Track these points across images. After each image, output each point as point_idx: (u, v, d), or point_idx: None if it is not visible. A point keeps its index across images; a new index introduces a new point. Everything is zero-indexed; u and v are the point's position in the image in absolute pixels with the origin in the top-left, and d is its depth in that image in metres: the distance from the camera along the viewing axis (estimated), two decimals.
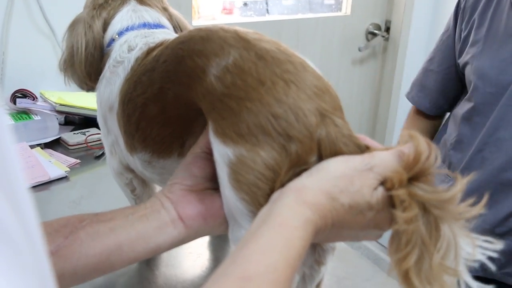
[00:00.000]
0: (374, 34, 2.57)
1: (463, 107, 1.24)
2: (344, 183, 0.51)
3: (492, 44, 1.14)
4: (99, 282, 0.83)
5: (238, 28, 0.61)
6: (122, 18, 0.85)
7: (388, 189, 0.52)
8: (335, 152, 0.53)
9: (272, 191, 0.53)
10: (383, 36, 2.59)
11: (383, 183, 0.52)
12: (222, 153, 0.55)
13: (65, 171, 1.19)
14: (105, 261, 0.57)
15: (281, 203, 0.50)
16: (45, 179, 1.16)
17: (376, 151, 0.54)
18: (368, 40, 2.58)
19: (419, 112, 1.46)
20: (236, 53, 0.56)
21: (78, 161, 1.27)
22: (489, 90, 1.13)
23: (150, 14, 0.87)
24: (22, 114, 1.42)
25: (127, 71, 0.74)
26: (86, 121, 1.51)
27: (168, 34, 0.82)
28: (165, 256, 0.90)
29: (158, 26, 0.85)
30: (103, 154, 1.32)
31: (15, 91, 1.49)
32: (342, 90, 2.61)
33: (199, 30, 0.62)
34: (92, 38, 0.85)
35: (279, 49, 0.58)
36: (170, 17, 0.92)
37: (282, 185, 0.52)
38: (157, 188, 0.88)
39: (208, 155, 0.61)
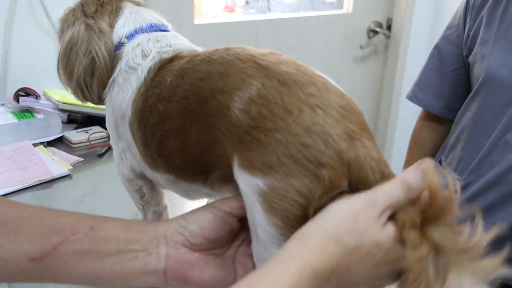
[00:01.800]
0: (376, 32, 2.57)
1: (470, 108, 1.22)
2: (348, 224, 0.49)
3: (503, 44, 1.11)
4: None
5: (253, 52, 0.61)
6: (127, 21, 0.83)
7: (399, 229, 0.51)
8: (361, 176, 0.53)
9: (305, 216, 0.52)
10: (384, 34, 2.59)
11: (394, 219, 0.52)
12: (251, 184, 0.54)
13: (68, 169, 1.20)
14: (82, 282, 0.59)
15: (282, 249, 0.50)
16: (48, 177, 1.16)
17: (380, 185, 0.53)
18: (369, 38, 2.58)
19: (429, 117, 1.40)
20: (258, 83, 0.56)
21: (81, 159, 1.28)
22: (501, 91, 1.11)
23: (151, 15, 0.86)
24: (25, 112, 1.42)
25: (140, 81, 0.73)
26: (89, 119, 1.51)
27: (178, 40, 0.80)
28: None
29: (163, 27, 0.85)
30: (106, 152, 1.33)
31: (18, 90, 1.49)
32: (344, 88, 2.59)
33: (215, 62, 0.61)
34: (109, 41, 0.81)
35: (299, 70, 0.58)
36: None
37: (317, 210, 0.52)
38: (165, 193, 0.88)
39: (233, 218, 0.61)
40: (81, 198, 1.08)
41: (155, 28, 0.83)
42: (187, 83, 0.63)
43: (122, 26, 0.83)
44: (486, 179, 1.14)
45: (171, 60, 0.72)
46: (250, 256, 0.62)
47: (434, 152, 1.39)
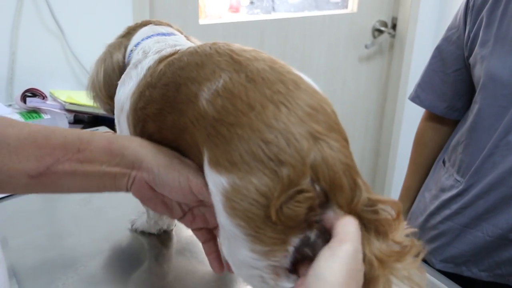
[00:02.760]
0: (381, 31, 2.58)
1: (472, 109, 1.22)
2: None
3: (503, 45, 1.10)
4: (110, 277, 0.84)
5: (234, 47, 0.61)
6: (140, 34, 0.90)
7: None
8: (335, 181, 0.51)
9: (268, 217, 0.51)
10: (389, 33, 2.60)
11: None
12: (217, 182, 0.55)
13: None
14: (74, 192, 0.70)
15: None
16: None
17: (342, 227, 0.51)
18: (374, 37, 2.59)
19: (432, 117, 1.40)
20: (227, 76, 0.56)
21: None
22: (501, 92, 1.10)
23: (164, 28, 0.91)
24: (32, 113, 1.43)
25: (140, 76, 0.76)
26: (95, 120, 1.52)
27: (178, 41, 0.84)
28: (174, 253, 0.92)
29: (172, 34, 0.89)
30: None
31: (25, 91, 1.51)
32: (349, 87, 2.61)
33: (196, 54, 0.63)
34: (111, 63, 0.90)
35: (272, 67, 0.57)
36: (187, 38, 0.94)
37: (278, 210, 0.51)
38: None
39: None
40: (88, 197, 1.09)
41: (160, 35, 0.87)
42: (170, 71, 0.66)
43: (135, 39, 0.90)
44: (487, 181, 1.13)
45: (169, 56, 0.74)
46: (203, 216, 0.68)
47: (438, 152, 1.40)
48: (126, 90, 0.78)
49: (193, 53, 0.64)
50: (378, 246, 0.52)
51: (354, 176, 0.52)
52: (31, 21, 1.63)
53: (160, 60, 0.74)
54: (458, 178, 1.22)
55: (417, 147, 1.46)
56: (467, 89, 1.27)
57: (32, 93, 1.52)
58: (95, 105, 0.97)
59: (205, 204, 0.67)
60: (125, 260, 0.89)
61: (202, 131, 0.57)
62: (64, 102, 1.47)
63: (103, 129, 1.44)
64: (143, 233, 0.96)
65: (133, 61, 0.82)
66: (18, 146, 0.63)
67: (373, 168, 2.93)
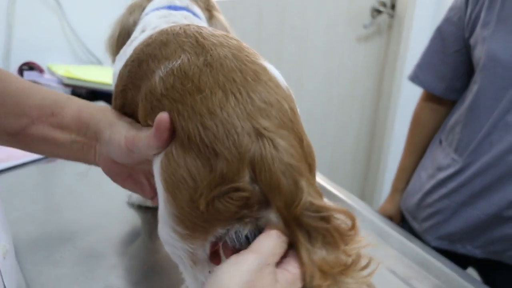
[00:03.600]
0: (379, 12, 2.56)
1: (471, 89, 1.22)
2: None
3: (505, 26, 1.11)
4: (106, 251, 0.85)
5: (204, 31, 0.59)
6: (154, 3, 0.88)
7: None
8: (272, 182, 0.48)
9: (192, 200, 0.50)
10: (388, 14, 2.58)
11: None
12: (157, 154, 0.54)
13: None
14: (48, 156, 0.72)
15: None
16: None
17: (259, 239, 0.49)
18: (373, 17, 2.57)
19: (431, 98, 1.41)
20: (186, 58, 0.54)
21: None
22: (502, 73, 1.11)
23: (182, 1, 0.88)
24: None
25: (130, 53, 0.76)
26: (93, 94, 1.52)
27: (185, 18, 0.82)
28: None
29: (185, 9, 0.86)
30: None
31: (22, 64, 1.50)
32: (347, 67, 2.61)
33: (165, 33, 0.61)
34: (127, 25, 0.90)
35: (236, 55, 0.55)
36: (211, 17, 0.93)
37: (209, 202, 0.49)
38: None
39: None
40: (85, 171, 1.09)
41: (171, 8, 0.85)
42: (139, 49, 0.64)
43: (150, 5, 0.88)
44: (485, 160, 1.15)
45: None
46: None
47: (434, 132, 1.41)
48: (119, 65, 0.77)
49: (162, 31, 0.62)
50: (321, 255, 0.49)
51: (296, 177, 0.49)
52: None
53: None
54: (456, 157, 1.23)
55: (414, 127, 1.46)
56: (466, 70, 1.28)
57: (30, 66, 1.52)
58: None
59: None
60: (121, 235, 0.90)
61: (147, 106, 0.56)
62: (62, 76, 1.46)
63: (101, 104, 1.43)
64: (139, 207, 0.97)
65: (133, 35, 0.82)
66: (1, 102, 0.64)
67: (368, 149, 2.94)
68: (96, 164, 0.67)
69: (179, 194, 0.50)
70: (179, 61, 0.54)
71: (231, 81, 0.51)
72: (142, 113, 0.57)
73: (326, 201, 0.51)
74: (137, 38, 0.78)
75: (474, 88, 1.19)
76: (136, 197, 0.96)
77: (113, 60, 0.94)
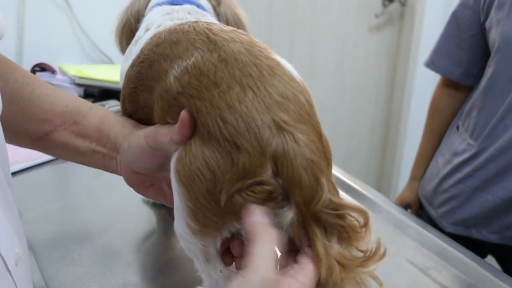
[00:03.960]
0: (391, 0, 2.54)
1: (486, 73, 1.22)
2: None
3: None
4: (123, 248, 0.85)
5: (214, 27, 0.58)
6: None
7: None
8: (293, 177, 0.48)
9: (210, 193, 0.49)
10: (400, 2, 2.56)
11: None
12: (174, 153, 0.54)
13: None
14: (70, 161, 0.70)
15: None
16: None
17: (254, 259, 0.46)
18: (384, 6, 2.55)
19: (448, 83, 1.40)
20: (199, 55, 0.54)
21: None
22: None
23: None
24: None
25: (137, 53, 0.73)
26: (105, 93, 1.52)
27: (189, 13, 0.81)
28: None
29: (187, 2, 0.85)
30: None
31: (34, 65, 1.51)
32: (359, 57, 2.59)
33: (174, 31, 0.60)
34: (132, 14, 0.89)
35: (249, 50, 0.54)
36: (218, 4, 0.92)
37: (230, 196, 0.49)
38: None
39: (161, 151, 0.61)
40: (100, 171, 1.10)
41: (175, 2, 0.83)
42: (147, 49, 0.63)
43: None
44: (499, 144, 1.14)
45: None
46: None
47: (452, 118, 1.40)
48: (126, 66, 0.75)
49: (171, 30, 0.61)
50: (339, 251, 0.50)
51: (317, 174, 0.49)
52: None
53: (152, 37, 0.72)
54: (471, 142, 1.23)
55: (432, 113, 1.46)
56: (482, 55, 1.27)
57: (42, 67, 1.53)
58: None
59: None
60: (136, 232, 0.90)
61: (164, 105, 0.55)
62: (74, 76, 1.47)
63: (113, 103, 1.44)
64: (154, 204, 0.97)
65: (136, 36, 0.80)
66: (26, 107, 0.65)
67: (383, 139, 2.92)
68: (119, 173, 0.67)
69: (195, 186, 0.50)
70: (192, 59, 0.54)
71: (247, 75, 0.51)
72: (160, 113, 0.57)
73: (342, 198, 0.51)
74: (142, 38, 0.77)
75: (488, 72, 1.19)
76: None
77: (121, 50, 0.95)
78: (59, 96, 0.67)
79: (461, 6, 1.29)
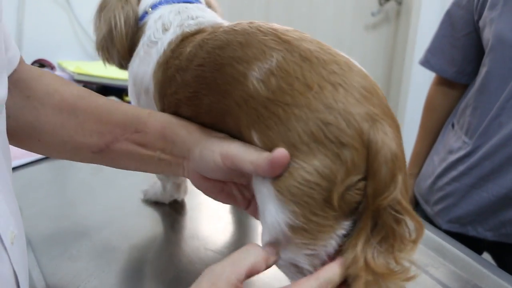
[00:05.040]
0: None
1: (480, 72, 1.22)
2: None
3: None
4: (123, 244, 0.85)
5: (276, 26, 0.59)
6: None
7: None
8: (373, 167, 0.49)
9: (326, 201, 0.49)
10: (396, 1, 2.57)
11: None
12: None
13: None
14: (133, 170, 0.70)
15: None
16: None
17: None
18: (381, 4, 2.56)
19: (442, 82, 1.41)
20: (280, 56, 0.53)
21: None
22: (509, 54, 1.11)
23: None
24: None
25: (160, 53, 0.73)
26: (104, 90, 1.52)
27: (201, 12, 0.79)
28: (187, 220, 0.93)
29: (197, 1, 0.84)
30: None
31: (33, 61, 1.51)
32: (355, 55, 2.57)
33: (235, 33, 0.59)
34: (132, 11, 0.83)
35: (322, 48, 0.55)
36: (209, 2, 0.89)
37: (341, 196, 0.49)
38: None
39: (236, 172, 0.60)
40: (99, 166, 1.08)
41: (181, 1, 0.82)
42: (204, 51, 0.62)
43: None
44: (493, 142, 1.15)
45: (194, 34, 0.70)
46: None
47: (447, 116, 1.41)
48: (148, 70, 0.75)
49: (231, 32, 0.60)
50: (374, 253, 0.50)
51: (396, 170, 0.49)
52: None
53: (183, 38, 0.71)
54: (466, 140, 1.23)
55: (427, 112, 1.46)
56: (476, 54, 1.28)
57: (41, 64, 1.52)
58: (104, 63, 0.90)
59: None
60: (136, 228, 0.91)
61: (251, 112, 0.54)
62: (73, 72, 1.47)
63: (113, 98, 1.44)
64: (155, 202, 0.97)
65: (152, 36, 0.77)
66: (86, 120, 0.65)
67: None
68: (185, 177, 0.67)
69: (312, 201, 0.50)
70: (274, 60, 0.53)
71: (332, 73, 0.51)
72: (246, 121, 0.55)
73: (409, 205, 0.51)
74: (163, 38, 0.74)
75: (483, 70, 1.20)
76: (152, 194, 0.96)
77: (122, 57, 0.85)
78: (116, 106, 0.67)
79: (454, 5, 1.30)
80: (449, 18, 1.32)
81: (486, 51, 1.18)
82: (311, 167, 0.49)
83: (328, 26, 2.41)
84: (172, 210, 0.95)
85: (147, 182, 0.99)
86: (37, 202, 0.97)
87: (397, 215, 0.50)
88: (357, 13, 2.50)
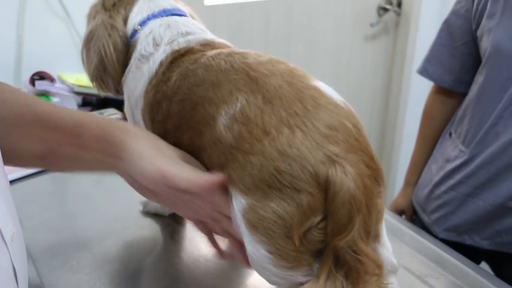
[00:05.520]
0: (386, 10, 2.56)
1: (477, 81, 1.23)
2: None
3: (510, 17, 1.11)
4: (124, 256, 0.85)
5: (249, 61, 0.59)
6: (141, 9, 0.83)
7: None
8: (331, 207, 0.50)
9: (288, 236, 0.51)
10: (395, 11, 2.58)
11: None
12: (237, 203, 0.55)
13: None
14: (77, 172, 0.76)
15: None
16: None
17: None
18: (379, 15, 2.57)
19: (440, 91, 1.41)
20: (244, 99, 0.55)
21: None
22: (506, 63, 1.11)
23: (165, 1, 0.85)
24: (42, 96, 1.44)
25: (152, 73, 0.73)
26: (103, 102, 1.53)
27: (189, 26, 0.79)
28: (187, 231, 0.93)
29: (178, 12, 0.84)
30: None
31: (33, 74, 1.52)
32: (355, 66, 2.61)
33: (211, 69, 0.61)
34: (118, 36, 0.83)
35: (290, 83, 0.56)
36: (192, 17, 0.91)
37: (302, 236, 0.51)
38: None
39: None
40: (99, 178, 1.10)
41: (167, 12, 0.83)
42: (185, 86, 0.64)
43: (136, 14, 0.83)
44: (490, 151, 1.15)
45: (183, 54, 0.71)
46: None
47: (445, 125, 1.41)
48: (139, 85, 0.76)
49: (208, 67, 0.62)
50: (339, 285, 0.51)
51: (353, 212, 0.50)
52: (37, 4, 1.62)
53: (173, 59, 0.71)
54: (463, 148, 1.24)
55: (425, 120, 1.47)
56: (474, 63, 1.28)
57: (41, 76, 1.53)
58: (99, 92, 0.91)
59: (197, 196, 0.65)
60: (137, 240, 0.91)
61: (220, 155, 0.57)
62: (73, 84, 1.48)
63: (111, 111, 1.45)
64: (154, 214, 0.98)
65: (142, 50, 0.77)
66: (31, 129, 0.66)
67: (379, 148, 2.93)
68: (121, 176, 0.69)
69: (273, 234, 0.52)
70: (238, 105, 0.55)
71: (293, 115, 0.53)
72: (216, 160, 0.58)
73: (368, 245, 0.52)
74: (155, 54, 0.75)
75: (479, 79, 1.20)
76: (152, 206, 0.97)
77: (117, 83, 0.84)
78: (55, 111, 0.68)
79: (453, 14, 1.30)
80: (447, 27, 1.32)
81: (483, 60, 1.18)
82: (269, 208, 0.51)
83: (328, 37, 2.42)
84: (172, 221, 0.95)
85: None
86: (37, 214, 0.97)
87: (355, 255, 0.51)
88: (356, 24, 2.51)
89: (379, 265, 0.53)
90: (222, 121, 0.56)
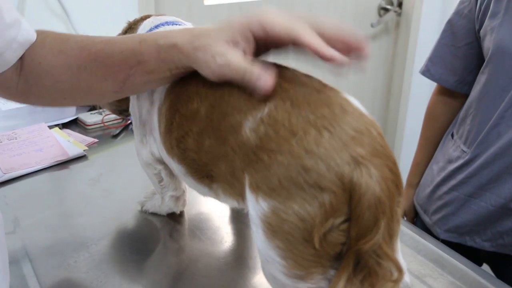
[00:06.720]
0: (387, 10, 2.56)
1: (479, 81, 1.22)
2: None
3: None
4: (122, 255, 0.85)
5: (288, 73, 0.61)
6: (145, 25, 0.87)
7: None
8: (356, 211, 0.50)
9: (307, 240, 0.51)
10: (395, 12, 2.58)
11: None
12: (257, 208, 0.55)
13: (84, 150, 1.22)
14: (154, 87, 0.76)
15: None
16: (64, 157, 1.18)
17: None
18: (380, 15, 2.57)
19: (443, 91, 1.41)
20: (272, 105, 0.56)
21: (96, 140, 1.29)
22: (509, 63, 1.11)
23: (169, 17, 0.89)
24: None
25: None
26: None
27: None
28: (186, 230, 0.93)
29: (180, 23, 0.86)
30: (120, 133, 1.35)
31: None
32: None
33: None
34: None
35: (320, 90, 0.57)
36: None
37: (322, 237, 0.51)
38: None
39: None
40: (97, 177, 1.10)
41: (169, 23, 0.85)
42: (218, 95, 0.64)
43: (141, 30, 0.87)
44: (492, 151, 1.15)
45: None
46: None
47: (448, 126, 1.41)
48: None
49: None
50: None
51: (379, 215, 0.50)
52: (35, 4, 1.62)
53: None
54: (465, 148, 1.23)
55: (427, 121, 1.46)
56: (477, 63, 1.28)
57: None
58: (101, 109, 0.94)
59: None
60: (137, 239, 0.90)
61: (244, 157, 0.57)
62: None
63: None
64: (152, 213, 0.97)
65: None
66: (93, 68, 0.69)
67: None
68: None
69: (292, 238, 0.52)
70: (266, 109, 0.56)
71: (321, 117, 0.53)
72: (239, 164, 0.58)
73: (392, 248, 0.53)
74: None
75: (482, 79, 1.20)
76: (150, 205, 0.96)
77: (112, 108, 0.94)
78: (109, 48, 0.69)
79: (456, 14, 1.30)
80: (450, 27, 1.32)
81: (486, 60, 1.18)
82: (291, 210, 0.51)
83: None
84: (170, 220, 0.95)
85: (144, 193, 0.99)
86: (35, 213, 0.97)
87: (378, 259, 0.51)
88: (357, 24, 2.50)
89: (399, 269, 0.53)
90: (248, 125, 0.57)
